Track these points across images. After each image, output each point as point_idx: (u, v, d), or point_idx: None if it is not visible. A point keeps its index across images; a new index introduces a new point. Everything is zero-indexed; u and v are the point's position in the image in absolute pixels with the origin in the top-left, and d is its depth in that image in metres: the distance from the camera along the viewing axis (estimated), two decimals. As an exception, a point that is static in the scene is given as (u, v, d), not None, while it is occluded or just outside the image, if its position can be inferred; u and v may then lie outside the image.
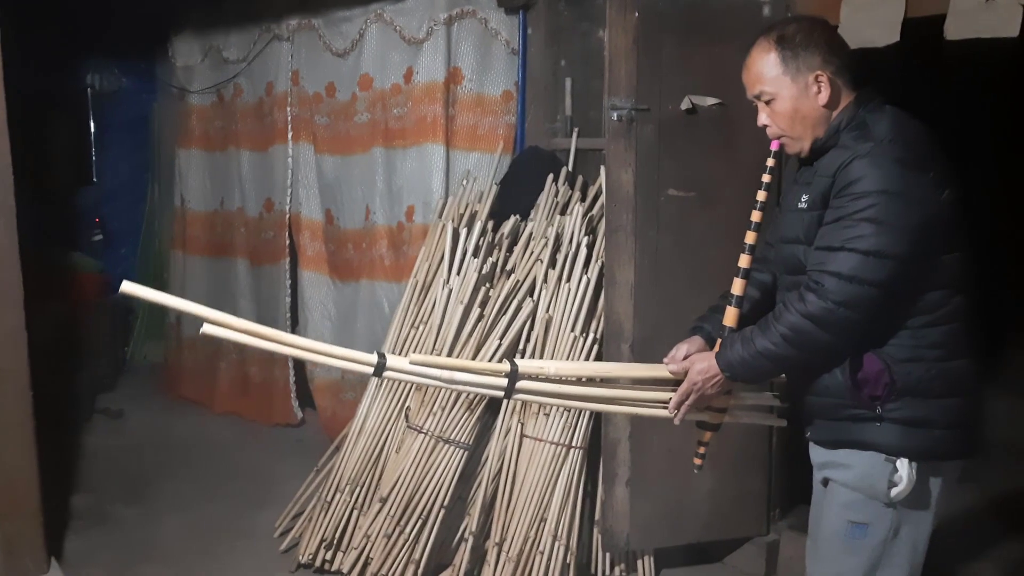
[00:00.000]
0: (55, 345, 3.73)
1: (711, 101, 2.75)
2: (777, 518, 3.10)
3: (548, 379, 1.91)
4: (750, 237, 1.82)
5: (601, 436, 2.92)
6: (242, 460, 4.08)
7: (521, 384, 1.86)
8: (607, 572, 3.00)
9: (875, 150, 1.64)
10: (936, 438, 1.69)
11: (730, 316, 1.84)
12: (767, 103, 1.77)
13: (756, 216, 1.81)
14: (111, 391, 5.10)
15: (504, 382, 1.86)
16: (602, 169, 3.21)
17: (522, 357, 3.05)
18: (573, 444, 2.91)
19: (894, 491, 1.68)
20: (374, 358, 1.79)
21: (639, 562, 3.00)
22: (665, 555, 3.03)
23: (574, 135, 3.46)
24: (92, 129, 6.03)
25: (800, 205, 1.76)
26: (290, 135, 4.31)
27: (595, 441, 2.96)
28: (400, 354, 3.20)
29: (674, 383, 1.89)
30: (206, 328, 1.65)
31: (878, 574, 1.74)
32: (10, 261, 2.61)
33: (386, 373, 1.81)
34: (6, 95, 2.61)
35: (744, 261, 1.83)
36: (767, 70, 1.74)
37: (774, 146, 1.81)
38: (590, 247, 3.07)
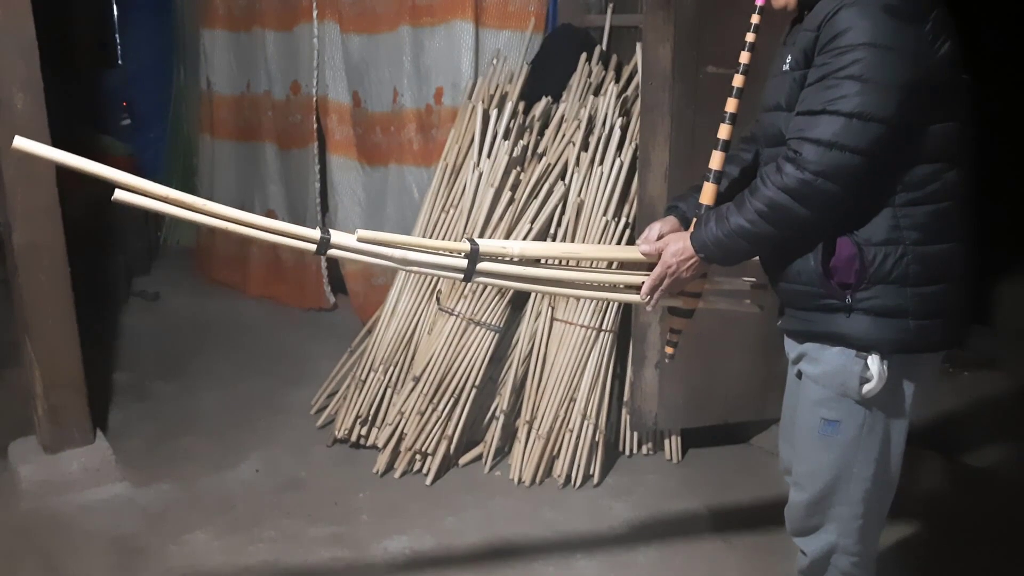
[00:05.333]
0: (88, 229, 3.76)
1: None
2: (804, 402, 3.12)
3: (512, 260, 1.74)
4: (731, 104, 1.66)
5: (632, 320, 2.93)
6: (276, 342, 4.16)
7: (482, 266, 1.70)
8: (634, 451, 3.07)
9: None
10: (909, 329, 1.56)
11: (707, 193, 1.70)
12: None
13: (738, 80, 1.64)
14: (146, 275, 5.17)
15: (464, 263, 1.70)
16: (638, 47, 3.10)
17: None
18: (603, 327, 2.92)
19: (865, 388, 1.58)
20: (317, 234, 1.62)
21: (666, 441, 3.07)
22: (692, 435, 3.09)
23: (609, 11, 3.33)
24: (115, 9, 5.90)
25: (784, 68, 1.59)
26: (315, 13, 4.18)
27: (624, 324, 2.98)
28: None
29: (648, 267, 1.75)
30: (118, 194, 1.50)
31: (851, 471, 1.66)
32: (39, 136, 2.58)
33: (330, 252, 1.64)
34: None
35: (724, 132, 1.68)
36: None
37: (759, 0, 1.63)
38: (624, 129, 3.00)
